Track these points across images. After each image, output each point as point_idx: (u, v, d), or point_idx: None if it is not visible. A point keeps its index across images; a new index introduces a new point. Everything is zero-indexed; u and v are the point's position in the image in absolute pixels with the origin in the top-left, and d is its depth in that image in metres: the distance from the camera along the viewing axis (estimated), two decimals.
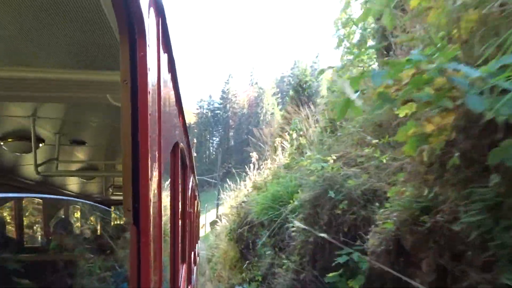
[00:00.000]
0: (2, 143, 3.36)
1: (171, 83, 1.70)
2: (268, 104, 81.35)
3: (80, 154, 4.40)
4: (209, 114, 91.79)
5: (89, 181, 5.81)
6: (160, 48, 1.26)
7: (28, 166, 3.40)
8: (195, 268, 5.91)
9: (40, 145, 3.39)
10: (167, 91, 1.51)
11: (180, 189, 2.41)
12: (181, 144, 2.45)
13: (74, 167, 5.00)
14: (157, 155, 1.24)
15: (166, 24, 1.35)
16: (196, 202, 7.34)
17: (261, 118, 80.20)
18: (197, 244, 8.25)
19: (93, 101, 2.34)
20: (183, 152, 2.71)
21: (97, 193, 5.51)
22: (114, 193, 6.36)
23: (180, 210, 2.51)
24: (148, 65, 1.09)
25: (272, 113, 79.96)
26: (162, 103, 1.30)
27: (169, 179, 2.16)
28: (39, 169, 3.41)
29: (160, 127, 1.28)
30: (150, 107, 1.11)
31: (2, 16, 1.55)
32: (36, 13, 1.52)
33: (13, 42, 1.78)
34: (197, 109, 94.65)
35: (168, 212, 2.23)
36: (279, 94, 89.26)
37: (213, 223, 29.32)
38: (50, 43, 1.76)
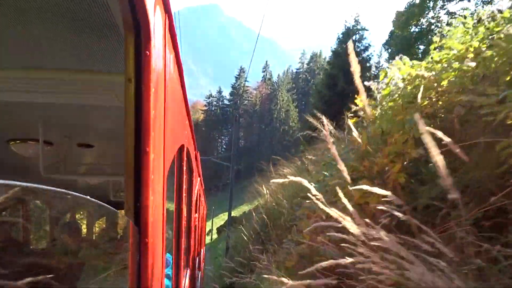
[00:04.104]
0: (10, 145, 3.53)
1: (178, 84, 1.77)
2: (283, 101, 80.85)
3: (88, 157, 4.54)
4: (218, 111, 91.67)
5: (97, 184, 6.00)
6: (166, 48, 1.33)
7: (35, 168, 3.54)
8: (199, 274, 6.01)
9: (47, 147, 3.53)
10: (173, 92, 1.58)
11: (185, 193, 2.49)
12: (188, 147, 2.53)
13: (82, 170, 5.18)
14: (160, 155, 1.31)
15: (173, 23, 1.41)
16: (202, 207, 7.45)
17: (275, 115, 79.92)
18: (202, 249, 8.36)
19: (100, 103, 2.45)
20: (190, 156, 2.79)
21: (105, 196, 5.66)
22: (120, 197, 6.51)
23: (185, 214, 2.58)
24: (153, 65, 1.16)
25: (287, 110, 79.65)
26: (167, 104, 1.36)
27: (175, 182, 2.25)
28: (46, 171, 3.55)
29: (165, 128, 1.34)
30: (153, 107, 1.17)
31: (7, 18, 1.64)
32: (41, 14, 1.61)
33: (18, 44, 1.89)
34: (205, 105, 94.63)
35: (173, 215, 2.31)
36: (295, 90, 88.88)
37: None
38: (56, 44, 1.86)
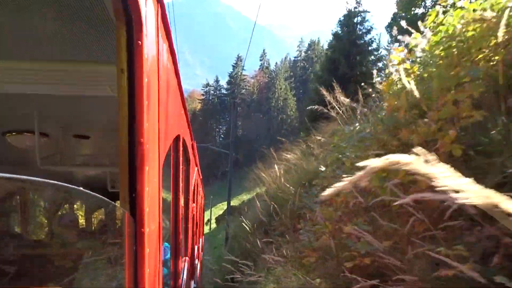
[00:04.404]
0: (5, 137, 3.54)
1: (172, 74, 1.77)
2: (281, 89, 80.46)
3: (84, 148, 4.55)
4: (216, 101, 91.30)
5: (94, 175, 6.03)
6: (159, 37, 1.33)
7: (31, 160, 3.56)
8: (198, 263, 6.08)
9: (44, 139, 3.54)
10: (167, 82, 1.58)
11: (182, 183, 2.50)
12: (184, 137, 2.54)
13: (78, 161, 5.20)
14: (155, 146, 1.32)
15: (165, 13, 1.41)
16: (200, 196, 7.50)
17: (273, 104, 79.62)
18: (201, 239, 8.44)
19: (95, 94, 2.45)
20: (186, 145, 2.80)
21: (102, 187, 5.70)
22: (118, 188, 6.53)
23: (182, 204, 2.61)
24: (146, 54, 1.16)
25: (285, 99, 79.31)
26: (161, 94, 1.37)
27: (171, 172, 2.26)
28: (43, 163, 3.56)
29: (159, 118, 1.35)
30: (147, 97, 1.17)
31: (0, 8, 1.64)
32: (35, 5, 1.61)
33: (12, 35, 1.88)
34: (202, 95, 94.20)
35: (170, 205, 2.33)
36: (293, 79, 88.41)
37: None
38: (49, 35, 1.86)
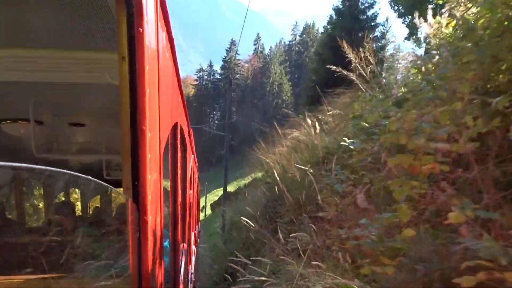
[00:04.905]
0: (0, 125, 3.51)
1: (170, 61, 1.77)
2: (276, 74, 79.95)
3: (80, 136, 4.55)
4: (209, 86, 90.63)
5: (90, 163, 6.05)
6: (158, 25, 1.33)
7: (27, 148, 3.55)
8: (195, 248, 6.18)
9: (39, 127, 3.52)
10: (166, 69, 1.58)
11: (180, 170, 2.53)
12: (181, 124, 2.55)
13: (74, 149, 5.20)
14: (156, 134, 1.34)
15: (165, 1, 1.41)
16: (196, 183, 7.54)
17: (268, 89, 79.22)
18: (197, 226, 8.53)
19: (93, 81, 2.44)
20: (183, 133, 2.82)
21: (98, 175, 5.71)
22: (114, 175, 6.58)
23: (180, 190, 2.64)
24: (147, 42, 1.16)
25: (281, 84, 78.91)
26: (161, 81, 1.37)
27: (169, 160, 2.28)
28: (38, 151, 3.56)
29: (159, 106, 1.36)
30: (148, 85, 1.18)
31: None
32: None
33: (9, 22, 1.86)
34: (196, 80, 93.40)
35: (169, 193, 2.36)
36: (288, 63, 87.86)
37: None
38: (48, 22, 1.84)
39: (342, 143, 3.92)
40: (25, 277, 2.06)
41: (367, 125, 3.94)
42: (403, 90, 4.73)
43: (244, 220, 4.83)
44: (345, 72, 6.11)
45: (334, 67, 6.17)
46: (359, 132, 4.15)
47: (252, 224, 4.80)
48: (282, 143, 8.91)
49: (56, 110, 3.41)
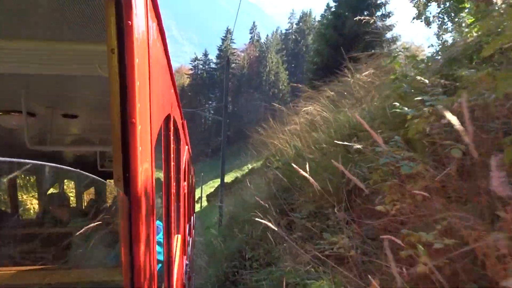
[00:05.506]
0: None
1: (161, 53, 1.77)
2: (272, 63, 79.51)
3: (73, 128, 4.54)
4: (205, 75, 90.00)
5: (84, 155, 6.06)
6: (148, 17, 1.33)
7: (20, 140, 3.55)
8: (190, 240, 6.23)
9: (31, 119, 3.52)
10: (157, 61, 1.58)
11: (173, 162, 2.54)
12: (174, 116, 2.56)
13: (67, 141, 5.20)
14: (147, 126, 1.34)
15: None
16: (191, 175, 7.57)
17: (264, 78, 78.87)
18: (192, 217, 8.60)
19: (83, 73, 2.43)
20: (176, 125, 2.83)
21: (92, 166, 5.73)
22: (108, 166, 6.62)
23: (174, 182, 2.65)
24: (136, 34, 1.16)
25: (277, 73, 78.59)
26: (151, 73, 1.38)
27: (162, 151, 2.29)
28: (31, 143, 3.56)
29: (150, 98, 1.37)
30: (138, 78, 1.19)
31: None
32: None
33: (1, 14, 1.84)
34: (191, 69, 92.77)
35: (162, 185, 2.37)
36: (284, 52, 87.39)
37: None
38: (37, 13, 1.82)
39: (395, 109, 3.17)
40: (17, 268, 2.08)
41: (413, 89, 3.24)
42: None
43: (256, 217, 3.42)
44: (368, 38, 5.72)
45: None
46: (405, 96, 3.41)
47: (268, 224, 2.80)
48: (292, 120, 7.78)
49: (49, 101, 3.40)
